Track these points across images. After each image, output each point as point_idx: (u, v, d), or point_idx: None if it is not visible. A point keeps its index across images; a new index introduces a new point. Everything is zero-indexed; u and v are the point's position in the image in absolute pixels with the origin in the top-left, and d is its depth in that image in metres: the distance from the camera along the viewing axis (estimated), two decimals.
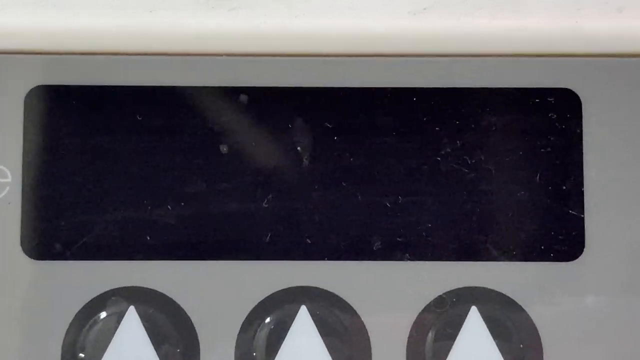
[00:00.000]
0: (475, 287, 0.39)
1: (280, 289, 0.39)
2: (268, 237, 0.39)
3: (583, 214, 0.39)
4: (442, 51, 0.40)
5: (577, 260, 0.39)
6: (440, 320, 0.38)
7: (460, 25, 0.40)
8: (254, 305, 0.39)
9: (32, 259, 0.39)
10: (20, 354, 0.38)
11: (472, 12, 0.40)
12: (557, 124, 0.40)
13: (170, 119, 0.39)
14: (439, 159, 0.39)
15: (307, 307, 0.38)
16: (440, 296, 0.39)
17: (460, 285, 0.39)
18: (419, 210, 0.39)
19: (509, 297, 0.39)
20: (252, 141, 0.39)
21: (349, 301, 0.39)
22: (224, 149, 0.39)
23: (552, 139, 0.39)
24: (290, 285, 0.39)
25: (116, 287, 0.39)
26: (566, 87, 0.40)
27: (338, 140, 0.39)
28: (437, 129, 0.40)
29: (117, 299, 0.39)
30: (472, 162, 0.39)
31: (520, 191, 0.39)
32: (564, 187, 0.39)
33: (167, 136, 0.39)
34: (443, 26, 0.40)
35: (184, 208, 0.39)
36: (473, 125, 0.40)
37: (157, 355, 0.38)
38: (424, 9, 0.40)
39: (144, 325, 0.38)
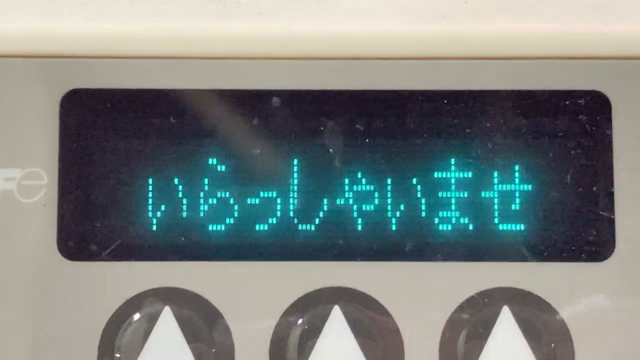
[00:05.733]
0: (507, 287, 0.39)
1: (313, 289, 0.39)
2: (301, 239, 0.39)
3: (613, 215, 0.39)
4: (471, 54, 0.40)
5: (607, 260, 0.39)
6: (472, 320, 0.39)
7: (488, 28, 0.40)
8: (287, 306, 0.39)
9: (69, 260, 0.39)
10: (57, 355, 0.39)
11: (499, 16, 0.40)
12: (587, 126, 0.40)
13: (204, 122, 0.40)
14: (470, 160, 0.40)
15: (340, 307, 0.39)
16: (472, 296, 0.39)
17: (492, 286, 0.39)
18: (450, 211, 0.39)
19: (540, 298, 0.39)
20: (284, 144, 0.40)
21: (381, 301, 0.39)
22: (256, 151, 0.40)
23: (582, 141, 0.40)
24: (323, 286, 0.39)
25: (151, 287, 0.39)
26: (596, 89, 0.40)
27: (369, 143, 0.40)
28: (467, 131, 0.40)
29: (152, 299, 0.39)
30: (502, 164, 0.40)
31: (551, 192, 0.39)
32: (594, 189, 0.39)
33: (200, 138, 0.40)
34: (472, 29, 0.40)
35: (218, 210, 0.39)
36: (504, 128, 0.40)
37: (192, 355, 0.38)
38: (453, 12, 0.40)
39: (179, 325, 0.39)
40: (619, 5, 0.40)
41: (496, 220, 0.39)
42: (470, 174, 0.39)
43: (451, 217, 0.39)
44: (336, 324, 0.39)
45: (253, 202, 0.39)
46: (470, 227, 0.39)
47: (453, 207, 0.39)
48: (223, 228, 0.39)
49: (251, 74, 0.40)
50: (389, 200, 0.39)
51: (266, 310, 0.39)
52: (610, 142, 0.40)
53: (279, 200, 0.39)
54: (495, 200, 0.39)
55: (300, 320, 0.39)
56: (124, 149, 0.40)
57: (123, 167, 0.40)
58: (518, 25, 0.40)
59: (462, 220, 0.39)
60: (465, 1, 0.40)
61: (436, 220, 0.39)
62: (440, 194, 0.39)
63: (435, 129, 0.40)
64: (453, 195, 0.39)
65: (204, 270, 0.39)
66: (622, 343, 0.39)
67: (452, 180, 0.39)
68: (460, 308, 0.39)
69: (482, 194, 0.39)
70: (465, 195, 0.39)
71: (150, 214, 0.39)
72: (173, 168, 0.40)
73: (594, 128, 0.40)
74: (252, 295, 0.39)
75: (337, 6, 0.40)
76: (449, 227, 0.39)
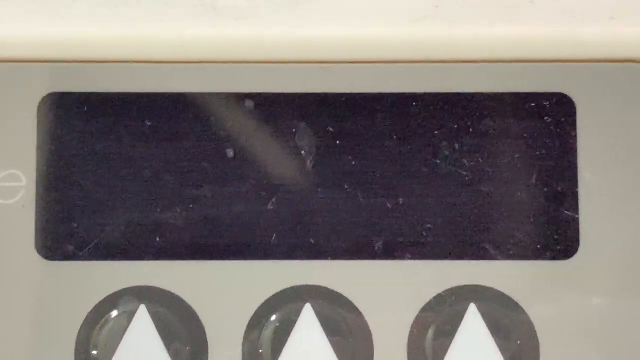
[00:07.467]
0: (474, 285, 0.40)
1: (285, 287, 0.40)
2: (273, 238, 0.40)
3: (578, 214, 0.40)
4: (440, 57, 0.41)
5: (572, 259, 0.40)
6: (440, 317, 0.39)
7: (457, 32, 0.41)
8: (260, 304, 0.40)
9: (46, 260, 0.40)
10: (34, 353, 0.39)
11: (469, 20, 0.41)
12: (552, 128, 0.41)
13: (178, 125, 0.41)
14: (438, 161, 0.40)
15: (311, 305, 0.39)
16: (439, 294, 0.40)
17: (460, 284, 0.40)
18: (419, 211, 0.40)
19: (506, 295, 0.40)
20: (257, 145, 0.41)
21: (351, 299, 0.40)
22: (230, 153, 0.40)
23: (547, 142, 0.40)
24: (295, 284, 0.40)
25: (127, 286, 0.40)
26: (561, 92, 0.41)
27: (340, 144, 0.41)
28: (436, 132, 0.41)
29: (128, 298, 0.40)
30: (470, 165, 0.40)
31: (517, 192, 0.40)
32: (559, 189, 0.40)
33: (175, 141, 0.40)
34: (441, 33, 0.41)
35: (193, 210, 0.40)
36: (471, 129, 0.41)
37: (167, 353, 0.39)
38: (424, 16, 0.41)
39: (154, 323, 0.39)
40: (585, 9, 0.40)
41: (462, 220, 0.40)
42: (433, 174, 0.40)
43: (420, 218, 0.40)
44: (308, 321, 0.39)
45: (233, 204, 0.40)
46: (438, 227, 0.40)
47: (418, 207, 0.40)
48: (198, 227, 0.40)
49: (226, 77, 0.41)
50: (361, 200, 0.40)
51: (240, 308, 0.40)
52: (575, 143, 0.40)
53: (253, 205, 0.40)
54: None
55: (273, 318, 0.40)
56: (100, 151, 0.40)
57: (99, 168, 0.40)
58: (484, 29, 0.41)
59: (429, 222, 0.40)
60: (436, 5, 0.41)
61: (406, 221, 0.40)
62: (408, 195, 0.40)
63: (405, 130, 0.41)
64: (419, 196, 0.40)
65: (179, 270, 0.40)
66: (586, 339, 0.39)
67: (420, 181, 0.40)
68: (429, 306, 0.39)
69: (453, 196, 0.40)
70: (430, 196, 0.40)
71: (126, 215, 0.40)
72: (148, 169, 0.40)
73: (559, 129, 0.40)
74: (226, 293, 0.40)
75: (311, 11, 0.41)
76: (418, 227, 0.40)
